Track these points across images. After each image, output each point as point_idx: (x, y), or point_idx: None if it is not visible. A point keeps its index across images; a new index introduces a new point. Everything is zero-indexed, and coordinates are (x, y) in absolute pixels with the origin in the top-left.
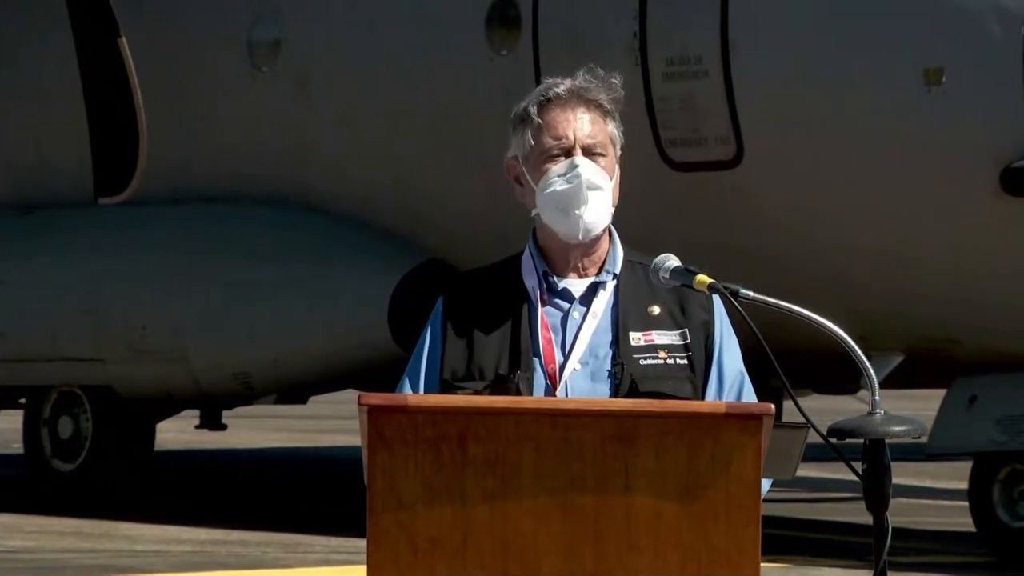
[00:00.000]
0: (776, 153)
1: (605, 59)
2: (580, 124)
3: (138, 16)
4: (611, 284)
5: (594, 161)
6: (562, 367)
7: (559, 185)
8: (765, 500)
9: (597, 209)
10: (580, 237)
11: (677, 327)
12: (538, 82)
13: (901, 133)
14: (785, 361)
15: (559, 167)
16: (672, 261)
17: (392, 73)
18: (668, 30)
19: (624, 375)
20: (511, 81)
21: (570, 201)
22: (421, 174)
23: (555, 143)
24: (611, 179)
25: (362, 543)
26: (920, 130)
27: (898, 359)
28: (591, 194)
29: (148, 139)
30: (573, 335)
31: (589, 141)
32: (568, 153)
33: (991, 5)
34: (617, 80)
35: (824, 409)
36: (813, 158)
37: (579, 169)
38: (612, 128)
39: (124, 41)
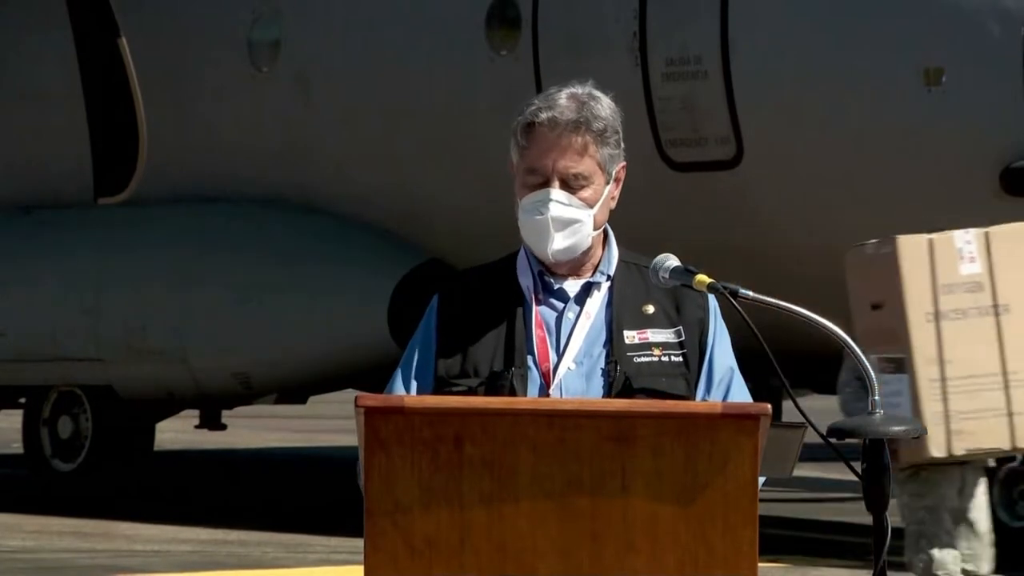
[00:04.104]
0: (776, 153)
1: (605, 59)
2: (562, 155)
3: (138, 16)
4: (605, 285)
5: (574, 192)
6: (556, 367)
7: (531, 214)
8: (764, 500)
9: (566, 242)
10: (552, 261)
11: (672, 325)
12: (538, 82)
13: (901, 133)
14: (785, 361)
15: (534, 196)
16: (672, 261)
17: (392, 73)
18: (668, 30)
19: (618, 373)
20: (511, 81)
21: (540, 232)
22: (421, 174)
23: (531, 175)
24: (594, 207)
25: (362, 543)
26: (920, 130)
27: None
28: (558, 232)
29: (148, 139)
30: (567, 335)
31: (570, 172)
32: (546, 182)
33: (991, 5)
34: (607, 100)
35: (824, 409)
36: (813, 158)
37: (550, 204)
38: (605, 152)
39: (124, 41)
